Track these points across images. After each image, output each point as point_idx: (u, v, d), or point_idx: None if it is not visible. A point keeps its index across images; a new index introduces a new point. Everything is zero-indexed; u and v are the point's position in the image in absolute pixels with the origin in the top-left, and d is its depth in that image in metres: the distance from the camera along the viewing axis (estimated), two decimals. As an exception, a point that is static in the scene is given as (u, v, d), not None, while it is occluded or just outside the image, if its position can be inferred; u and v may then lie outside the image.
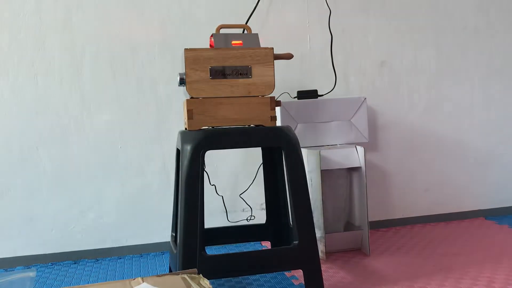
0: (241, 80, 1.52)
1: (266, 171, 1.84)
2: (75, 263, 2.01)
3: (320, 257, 1.55)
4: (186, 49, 1.48)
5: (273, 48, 1.54)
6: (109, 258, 2.07)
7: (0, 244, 2.01)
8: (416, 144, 2.37)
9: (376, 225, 2.32)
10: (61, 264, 2.02)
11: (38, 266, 2.00)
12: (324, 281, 1.55)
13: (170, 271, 1.74)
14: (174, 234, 1.70)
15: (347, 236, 1.99)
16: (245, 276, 1.72)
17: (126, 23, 2.07)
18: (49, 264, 2.02)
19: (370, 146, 2.28)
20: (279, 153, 1.71)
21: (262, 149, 1.85)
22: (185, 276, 1.17)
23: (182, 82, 1.51)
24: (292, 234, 1.56)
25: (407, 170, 2.37)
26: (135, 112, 2.09)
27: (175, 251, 1.55)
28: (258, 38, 1.59)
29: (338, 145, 2.06)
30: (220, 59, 1.50)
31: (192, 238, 1.43)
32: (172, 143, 2.13)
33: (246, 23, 2.14)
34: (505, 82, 2.46)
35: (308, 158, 1.95)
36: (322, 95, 2.15)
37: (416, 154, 2.38)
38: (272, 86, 1.54)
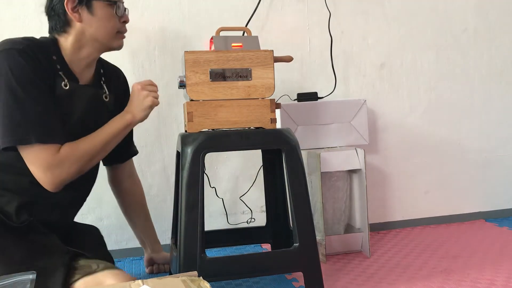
0: (241, 83, 1.52)
1: (266, 173, 1.85)
2: (75, 265, 2.00)
3: (320, 259, 1.55)
4: (186, 52, 1.48)
5: (273, 50, 1.55)
6: (109, 260, 2.07)
7: (0, 246, 2.01)
8: (416, 146, 2.37)
9: (376, 227, 2.32)
10: (61, 266, 2.01)
11: (38, 268, 2.00)
12: (324, 283, 1.55)
13: (170, 273, 1.74)
14: (174, 237, 1.70)
15: (347, 239, 1.99)
16: (245, 279, 1.72)
17: (126, 25, 2.07)
18: (49, 266, 2.02)
19: (370, 148, 2.28)
20: (279, 155, 1.71)
21: (262, 152, 1.85)
22: (185, 278, 1.17)
23: (182, 84, 1.51)
24: (292, 237, 1.56)
25: (407, 172, 2.37)
26: (135, 115, 2.09)
27: (175, 254, 1.55)
28: (258, 40, 1.60)
29: (338, 147, 2.06)
30: (220, 61, 1.50)
31: (192, 240, 1.43)
32: (172, 145, 2.13)
33: (246, 25, 2.14)
34: (505, 84, 2.46)
35: (308, 160, 1.95)
36: (322, 98, 2.15)
37: (416, 156, 2.37)
38: (272, 89, 1.54)
